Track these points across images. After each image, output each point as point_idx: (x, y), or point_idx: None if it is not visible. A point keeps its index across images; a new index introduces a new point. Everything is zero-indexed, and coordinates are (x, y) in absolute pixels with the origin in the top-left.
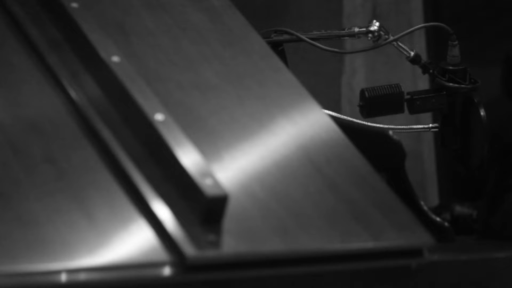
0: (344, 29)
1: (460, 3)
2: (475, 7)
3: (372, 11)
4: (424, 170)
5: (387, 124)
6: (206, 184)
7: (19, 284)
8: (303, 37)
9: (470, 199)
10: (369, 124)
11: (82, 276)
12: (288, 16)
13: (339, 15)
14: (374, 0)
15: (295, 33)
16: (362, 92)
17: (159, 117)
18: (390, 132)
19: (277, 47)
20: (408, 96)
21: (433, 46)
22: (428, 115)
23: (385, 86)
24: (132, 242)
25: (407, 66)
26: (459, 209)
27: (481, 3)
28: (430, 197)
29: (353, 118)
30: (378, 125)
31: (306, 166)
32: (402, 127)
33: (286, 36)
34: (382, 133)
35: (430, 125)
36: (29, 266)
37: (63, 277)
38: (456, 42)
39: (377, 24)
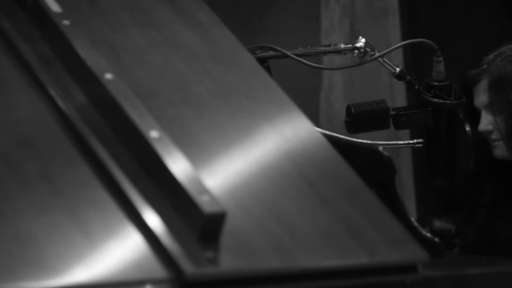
0: (329, 45)
1: (435, 18)
2: (447, 22)
3: (349, 27)
4: (402, 184)
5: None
6: (203, 200)
7: None
8: (289, 53)
9: (450, 213)
10: (356, 140)
11: None
12: (265, 32)
13: (316, 31)
14: (351, 16)
15: (280, 49)
16: (348, 108)
17: (154, 134)
18: (381, 148)
19: (263, 63)
20: (394, 112)
21: (410, 59)
22: (406, 132)
23: (371, 102)
24: (130, 259)
25: (384, 81)
26: (438, 224)
27: (452, 19)
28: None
29: (332, 133)
30: (365, 141)
31: (299, 181)
32: (387, 142)
33: (271, 53)
34: (373, 149)
35: (415, 140)
36: (27, 284)
37: None
38: (441, 58)
39: (363, 40)
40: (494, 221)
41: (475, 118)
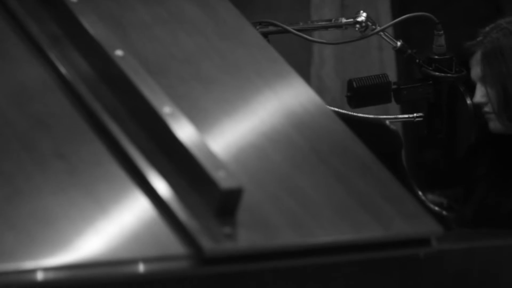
0: (331, 20)
1: None
2: None
3: (340, 2)
4: None
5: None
6: (220, 176)
7: (44, 280)
8: (289, 28)
9: (441, 187)
10: (361, 115)
11: (102, 270)
12: (255, 7)
13: (306, 6)
14: None
15: (280, 24)
16: (350, 82)
17: (167, 110)
18: (387, 122)
19: None
20: (395, 86)
21: (400, 30)
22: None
23: (372, 76)
24: (147, 235)
25: (374, 56)
26: (430, 197)
27: None
28: None
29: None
30: (370, 115)
31: (311, 156)
32: (388, 116)
33: (271, 28)
34: (380, 122)
35: (415, 114)
36: (47, 261)
37: (84, 271)
38: (442, 32)
39: (364, 14)
40: (491, 195)
41: (472, 91)
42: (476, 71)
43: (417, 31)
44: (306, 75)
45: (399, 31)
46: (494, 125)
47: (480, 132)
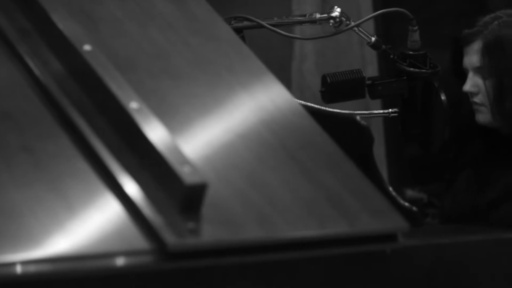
0: (304, 15)
1: None
2: None
3: None
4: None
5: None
6: (184, 171)
7: (6, 274)
8: (264, 23)
9: (422, 183)
10: (333, 110)
11: (64, 265)
12: (235, 2)
13: (287, 1)
14: None
15: (255, 19)
16: (324, 77)
17: (134, 105)
18: (358, 117)
19: (238, 34)
20: (369, 82)
21: (381, 28)
22: (377, 102)
23: (347, 72)
24: (112, 230)
25: (356, 51)
26: (410, 193)
27: None
28: None
29: (308, 103)
30: (342, 110)
31: (279, 152)
32: (362, 112)
33: (246, 23)
34: (350, 118)
35: (390, 110)
36: (11, 256)
37: (46, 266)
38: (416, 27)
39: (338, 10)
40: (473, 188)
41: (461, 78)
42: (472, 60)
43: (398, 28)
44: (287, 71)
45: (380, 28)
46: (483, 117)
47: (464, 123)
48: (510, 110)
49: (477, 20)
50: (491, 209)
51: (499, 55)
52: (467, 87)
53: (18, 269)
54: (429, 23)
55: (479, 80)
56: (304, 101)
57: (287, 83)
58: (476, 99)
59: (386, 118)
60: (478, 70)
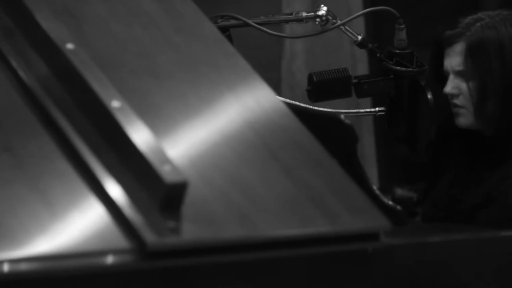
0: (291, 14)
1: None
2: None
3: None
4: (364, 153)
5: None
6: (165, 170)
7: None
8: (250, 22)
9: (412, 182)
10: (319, 108)
11: (43, 264)
12: (226, 1)
13: (278, 0)
14: None
15: (241, 18)
16: (310, 76)
17: (115, 104)
18: (342, 116)
19: (224, 32)
20: (356, 80)
21: (371, 27)
22: (368, 100)
23: (333, 71)
24: (92, 229)
25: (346, 50)
26: (399, 192)
27: None
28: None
29: (294, 102)
30: (327, 109)
31: (262, 151)
32: (349, 111)
33: (233, 21)
34: (334, 117)
35: (377, 108)
36: None
37: (25, 265)
38: (403, 26)
39: (325, 8)
40: (454, 191)
41: (442, 80)
42: (453, 62)
43: (389, 28)
44: (277, 69)
45: (371, 28)
46: (464, 120)
47: (448, 124)
48: (492, 113)
49: (459, 21)
50: (472, 215)
51: (482, 58)
52: (448, 88)
53: None
54: (422, 22)
55: (460, 82)
56: (295, 99)
57: (277, 81)
58: (457, 101)
59: (376, 117)
60: (460, 72)
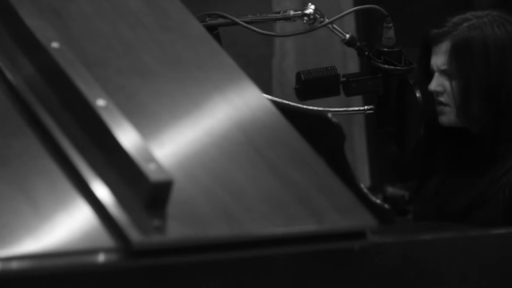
0: (279, 12)
1: None
2: None
3: None
4: (355, 151)
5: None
6: (150, 169)
7: None
8: (238, 20)
9: (403, 180)
10: (306, 107)
11: (28, 263)
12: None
13: None
14: None
15: (230, 16)
16: (298, 75)
17: (100, 102)
18: (329, 115)
19: (212, 31)
20: (344, 79)
21: (362, 27)
22: (359, 98)
23: (321, 69)
24: (77, 228)
25: (337, 48)
26: (391, 190)
27: None
28: (361, 179)
29: (285, 100)
30: (315, 107)
31: (248, 149)
32: (338, 109)
33: (221, 20)
34: (321, 115)
35: (366, 107)
36: None
37: (9, 264)
38: (391, 24)
39: (312, 7)
40: (444, 191)
41: (430, 77)
42: (439, 61)
43: (382, 28)
44: (268, 68)
45: (363, 27)
46: (447, 118)
47: (437, 122)
48: (475, 113)
49: (446, 20)
50: (464, 215)
51: (467, 57)
52: (433, 86)
53: None
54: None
55: (445, 81)
56: (285, 98)
57: (268, 80)
58: (442, 99)
59: (368, 115)
60: (444, 71)
